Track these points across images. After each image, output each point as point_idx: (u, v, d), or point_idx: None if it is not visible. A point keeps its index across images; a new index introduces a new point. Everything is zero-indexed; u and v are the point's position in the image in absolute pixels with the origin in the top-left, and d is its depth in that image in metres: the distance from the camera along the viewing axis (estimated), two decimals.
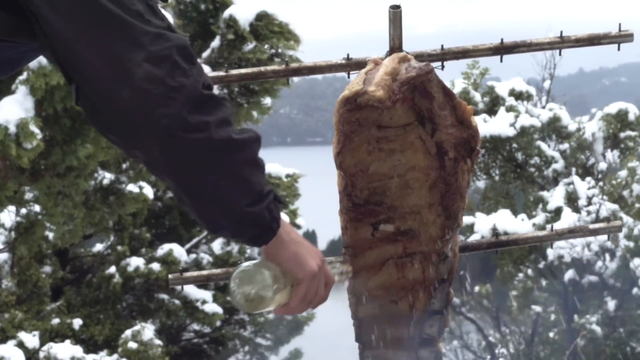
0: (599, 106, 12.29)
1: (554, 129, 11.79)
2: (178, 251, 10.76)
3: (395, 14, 2.02)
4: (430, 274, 2.09)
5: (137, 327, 8.87)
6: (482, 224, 10.11)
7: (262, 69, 2.17)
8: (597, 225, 2.33)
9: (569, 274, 10.73)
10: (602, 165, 11.40)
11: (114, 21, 1.41)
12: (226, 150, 1.47)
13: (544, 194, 11.17)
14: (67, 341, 8.47)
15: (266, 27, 8.48)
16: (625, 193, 10.81)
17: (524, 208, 11.43)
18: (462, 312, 12.88)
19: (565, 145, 11.72)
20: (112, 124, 1.44)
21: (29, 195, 8.29)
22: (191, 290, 10.90)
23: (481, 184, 13.06)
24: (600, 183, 10.81)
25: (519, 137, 11.47)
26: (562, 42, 2.13)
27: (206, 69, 8.26)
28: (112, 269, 10.61)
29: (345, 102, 1.89)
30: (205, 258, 11.62)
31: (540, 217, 10.38)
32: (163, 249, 10.76)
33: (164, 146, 1.42)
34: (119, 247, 10.91)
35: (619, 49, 2.17)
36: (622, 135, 11.37)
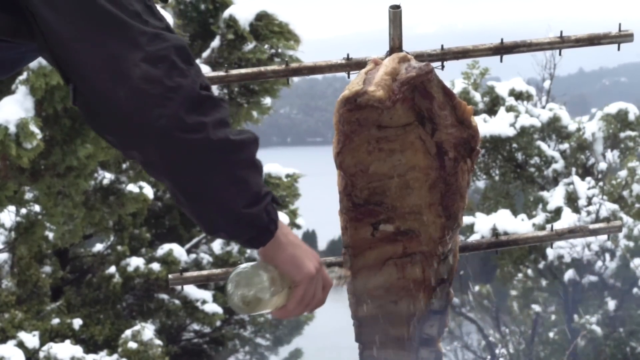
0: (599, 106, 12.28)
1: (554, 129, 11.78)
2: (178, 251, 10.75)
3: (395, 14, 2.02)
4: (430, 274, 2.09)
5: (137, 327, 8.87)
6: (482, 224, 10.10)
7: (262, 69, 2.17)
8: (597, 225, 2.34)
9: (569, 274, 10.72)
10: (602, 165, 11.40)
11: (112, 21, 1.41)
12: (223, 151, 1.46)
13: (544, 194, 11.17)
14: (67, 341, 8.47)
15: (266, 27, 8.48)
16: (625, 193, 10.80)
17: (524, 208, 11.42)
18: (462, 312, 12.88)
19: (565, 145, 11.72)
20: (109, 124, 1.43)
21: (29, 195, 8.29)
22: (191, 290, 10.90)
23: (481, 184, 13.05)
24: (600, 183, 10.81)
25: (519, 137, 11.46)
26: (562, 42, 2.13)
27: (206, 69, 8.27)
28: (112, 269, 10.61)
29: (345, 102, 1.89)
30: (205, 258, 11.62)
31: (540, 217, 10.37)
32: (163, 249, 10.76)
33: (161, 146, 1.42)
34: (119, 247, 10.91)
35: (619, 49, 2.17)
36: (622, 135, 11.37)
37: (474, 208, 11.84)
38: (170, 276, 2.20)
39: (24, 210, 8.82)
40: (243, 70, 2.16)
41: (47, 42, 1.43)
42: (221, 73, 2.14)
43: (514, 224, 10.06)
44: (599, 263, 10.59)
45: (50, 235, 9.45)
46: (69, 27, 1.40)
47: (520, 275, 12.13)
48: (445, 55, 2.10)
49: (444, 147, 1.99)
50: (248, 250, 11.77)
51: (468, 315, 12.99)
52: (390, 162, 2.00)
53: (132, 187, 9.26)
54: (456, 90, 11.52)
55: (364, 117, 1.93)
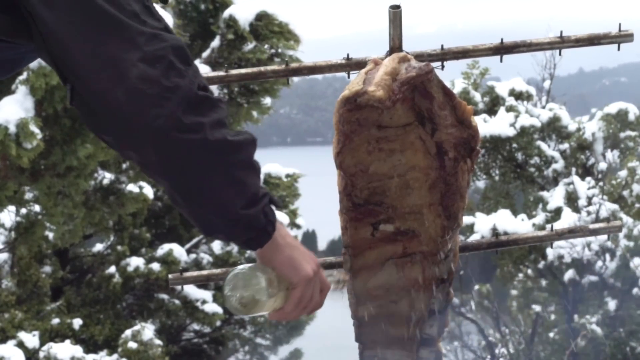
0: (599, 106, 12.29)
1: (554, 129, 11.78)
2: (178, 251, 10.75)
3: (395, 14, 2.02)
4: (430, 274, 2.09)
5: (137, 327, 8.87)
6: (482, 224, 10.11)
7: (262, 69, 2.17)
8: (597, 225, 2.34)
9: (569, 274, 10.72)
10: (602, 165, 11.41)
11: (110, 21, 1.40)
12: (221, 151, 1.45)
13: (544, 194, 11.17)
14: (67, 341, 8.47)
15: (266, 27, 8.49)
16: (625, 193, 10.80)
17: (524, 208, 11.42)
18: (462, 312, 12.88)
19: (565, 145, 11.72)
20: (106, 124, 1.43)
21: (29, 195, 8.29)
22: (191, 290, 10.89)
23: (481, 184, 13.06)
24: (600, 183, 10.81)
25: (519, 137, 11.47)
26: (562, 42, 2.13)
27: (206, 69, 8.28)
28: (112, 269, 10.61)
29: (345, 102, 1.89)
30: (205, 258, 11.62)
31: (540, 217, 10.37)
32: (163, 249, 10.76)
33: (158, 147, 1.41)
34: (119, 247, 10.91)
35: (619, 49, 2.17)
36: (622, 135, 11.37)
37: (474, 208, 11.84)
38: (170, 276, 2.20)
39: (24, 210, 8.82)
40: (243, 70, 2.16)
41: (45, 42, 1.43)
42: (221, 73, 2.14)
43: (514, 224, 10.06)
44: (599, 263, 10.59)
45: (50, 235, 9.45)
46: (67, 27, 1.40)
47: (520, 275, 12.13)
48: (445, 55, 2.10)
49: (444, 147, 1.99)
50: (248, 251, 11.75)
51: (468, 316, 12.99)
52: (390, 162, 2.00)
53: (132, 187, 9.26)
54: (456, 90, 11.52)
55: (364, 117, 1.93)
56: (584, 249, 10.35)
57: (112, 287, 10.44)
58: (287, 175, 11.70)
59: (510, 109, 11.73)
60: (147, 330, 8.86)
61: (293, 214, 11.78)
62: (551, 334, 11.76)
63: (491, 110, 11.98)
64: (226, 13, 8.75)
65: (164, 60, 1.42)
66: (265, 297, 1.60)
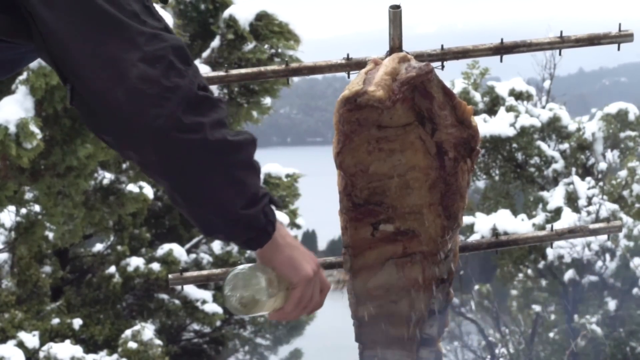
0: (599, 106, 12.29)
1: (554, 129, 11.79)
2: (178, 251, 10.75)
3: (395, 14, 2.02)
4: (430, 274, 2.09)
5: (137, 327, 8.87)
6: (482, 224, 10.10)
7: (262, 69, 2.17)
8: (597, 225, 2.34)
9: (569, 274, 10.72)
10: (602, 165, 11.41)
11: (110, 21, 1.40)
12: (221, 151, 1.45)
13: (544, 194, 11.17)
14: (67, 341, 8.47)
15: (266, 27, 8.49)
16: (625, 193, 10.80)
17: (524, 208, 11.42)
18: (462, 312, 12.88)
19: (565, 145, 11.72)
20: (106, 124, 1.42)
21: (29, 195, 8.29)
22: (191, 290, 10.89)
23: (481, 184, 13.06)
24: (600, 183, 10.81)
25: (519, 137, 11.47)
26: (562, 42, 2.13)
27: (206, 69, 8.28)
28: (112, 269, 10.61)
29: (345, 102, 1.89)
30: (205, 258, 11.62)
31: (540, 217, 10.37)
32: (163, 249, 10.76)
33: (158, 146, 1.41)
34: (119, 247, 10.91)
35: (619, 49, 2.17)
36: (622, 135, 11.37)
37: (474, 208, 11.84)
38: (170, 276, 2.20)
39: (24, 210, 8.82)
40: (243, 70, 2.16)
41: (44, 42, 1.42)
42: (221, 73, 2.14)
43: (514, 224, 10.06)
44: (599, 263, 10.59)
45: (50, 235, 9.45)
46: (67, 27, 1.40)
47: (520, 275, 12.13)
48: (445, 55, 2.10)
49: (444, 147, 1.99)
50: (248, 251, 11.75)
51: (468, 316, 12.99)
52: (390, 162, 2.00)
53: (132, 187, 9.26)
54: (456, 90, 11.52)
55: (364, 117, 1.93)
56: (584, 249, 10.35)
57: (112, 287, 10.44)
58: (287, 175, 11.70)
59: (510, 109, 11.73)
60: (147, 330, 8.86)
61: (293, 214, 11.78)
62: (551, 334, 11.76)
63: (491, 110, 11.98)
64: (226, 13, 8.75)
65: (164, 60, 1.42)
66: (265, 297, 1.60)
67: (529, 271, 11.77)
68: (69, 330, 9.54)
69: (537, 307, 12.28)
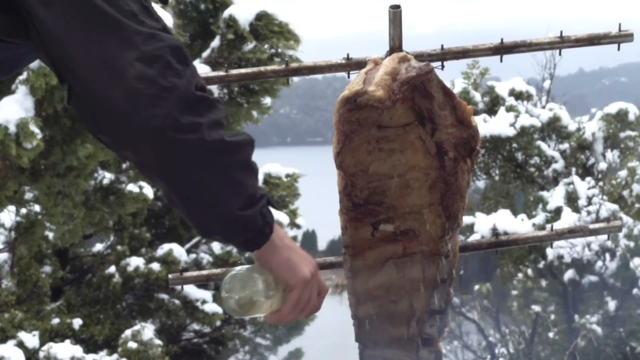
0: (599, 106, 12.29)
1: (554, 129, 11.79)
2: (178, 251, 10.75)
3: (395, 13, 2.02)
4: (430, 273, 2.09)
5: (137, 327, 8.87)
6: (482, 224, 10.11)
7: (262, 68, 2.16)
8: (597, 225, 2.33)
9: (569, 274, 10.72)
10: (602, 165, 11.41)
11: (108, 20, 1.40)
12: (218, 151, 1.45)
13: (544, 194, 11.17)
14: (67, 341, 8.47)
15: (266, 27, 8.49)
16: (625, 193, 10.80)
17: (524, 208, 11.42)
18: (462, 312, 12.88)
19: (565, 145, 11.72)
20: (103, 123, 1.42)
21: (29, 195, 8.29)
22: (191, 290, 10.90)
23: (481, 184, 13.06)
24: (600, 183, 10.81)
25: (519, 137, 11.47)
26: (562, 42, 2.13)
27: (206, 68, 8.28)
28: (112, 269, 10.61)
29: (345, 102, 1.89)
30: (205, 258, 11.62)
31: (540, 217, 10.37)
32: (163, 249, 10.76)
33: (155, 146, 1.40)
34: (119, 247, 10.91)
35: (619, 49, 2.17)
36: (622, 135, 11.37)
37: (474, 208, 11.84)
38: (170, 276, 2.20)
39: (24, 210, 8.82)
40: (243, 70, 2.16)
41: (42, 41, 1.42)
42: (221, 73, 2.13)
43: (514, 224, 10.06)
44: (599, 263, 10.59)
45: (50, 235, 9.45)
46: (64, 26, 1.40)
47: (520, 275, 12.14)
48: (445, 55, 2.10)
49: (444, 147, 1.99)
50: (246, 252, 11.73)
51: (468, 316, 12.99)
52: (390, 162, 2.00)
53: (132, 187, 9.26)
54: (456, 90, 11.52)
55: (364, 117, 1.93)
56: (584, 249, 10.35)
57: (112, 287, 10.44)
58: (287, 175, 11.70)
59: (510, 109, 11.73)
60: (147, 330, 8.86)
61: (293, 214, 11.78)
62: (551, 334, 11.76)
63: (491, 110, 11.98)
64: (226, 13, 8.75)
65: (161, 60, 1.41)
66: (262, 298, 1.60)
67: (529, 271, 11.77)
68: (69, 330, 9.54)
69: (537, 307, 12.29)
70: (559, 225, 7.48)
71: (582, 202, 10.43)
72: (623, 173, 10.99)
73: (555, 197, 10.70)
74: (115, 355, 8.74)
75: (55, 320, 9.54)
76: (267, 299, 1.60)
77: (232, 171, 1.48)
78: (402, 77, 1.90)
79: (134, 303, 11.03)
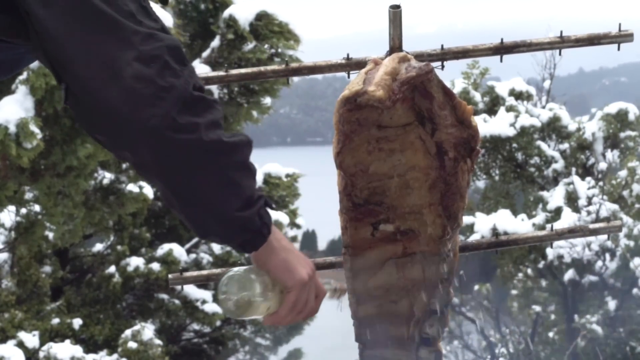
0: (599, 106, 12.30)
1: (554, 128, 11.79)
2: (178, 251, 10.75)
3: (395, 13, 2.01)
4: (430, 274, 2.09)
5: (137, 327, 8.87)
6: (482, 224, 10.11)
7: (262, 68, 2.16)
8: (597, 225, 2.33)
9: (569, 274, 10.73)
10: (602, 165, 11.41)
11: (106, 20, 1.40)
12: (216, 152, 1.44)
13: (544, 194, 11.17)
14: (67, 341, 8.47)
15: (266, 27, 8.49)
16: (625, 193, 10.80)
17: (524, 208, 11.43)
18: (462, 312, 12.89)
19: (565, 145, 11.72)
20: (100, 123, 1.42)
21: (29, 195, 8.29)
22: (191, 290, 10.90)
23: (481, 184, 13.06)
24: (600, 183, 10.81)
25: (519, 137, 11.47)
26: (562, 42, 2.13)
27: (206, 68, 8.28)
28: (112, 269, 10.62)
29: (345, 102, 1.89)
30: (205, 258, 11.62)
31: (540, 217, 10.38)
32: (163, 249, 10.76)
33: (152, 146, 1.40)
34: (119, 247, 10.91)
35: (619, 49, 2.17)
36: (622, 135, 11.38)
37: (474, 208, 11.85)
38: (170, 276, 2.20)
39: (24, 210, 8.82)
40: (243, 70, 2.16)
41: (41, 41, 1.42)
42: (221, 73, 2.13)
43: (514, 223, 10.07)
44: (599, 263, 10.59)
45: (50, 235, 9.45)
46: (62, 26, 1.40)
47: (520, 275, 12.14)
48: (445, 55, 2.10)
49: (444, 147, 1.99)
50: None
51: (468, 315, 13.00)
52: (390, 162, 2.00)
53: (132, 187, 9.26)
54: (456, 90, 11.52)
55: (364, 117, 1.93)
56: (584, 249, 10.35)
57: (112, 287, 10.44)
58: (287, 175, 11.70)
59: (510, 109, 11.74)
60: (147, 330, 8.86)
61: (293, 214, 11.78)
62: (551, 334, 11.77)
63: (491, 110, 11.98)
64: (226, 13, 8.75)
65: (159, 59, 1.41)
66: (260, 299, 1.59)
67: (529, 271, 11.78)
68: (69, 330, 9.54)
69: (537, 307, 12.29)
70: (559, 225, 7.47)
71: (582, 202, 10.44)
72: (623, 173, 11.00)
73: (555, 197, 10.71)
74: (115, 355, 8.74)
75: (55, 320, 9.54)
76: (264, 300, 1.60)
77: (230, 172, 1.47)
78: (402, 77, 1.90)
79: (134, 303, 11.03)
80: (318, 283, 1.67)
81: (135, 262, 10.53)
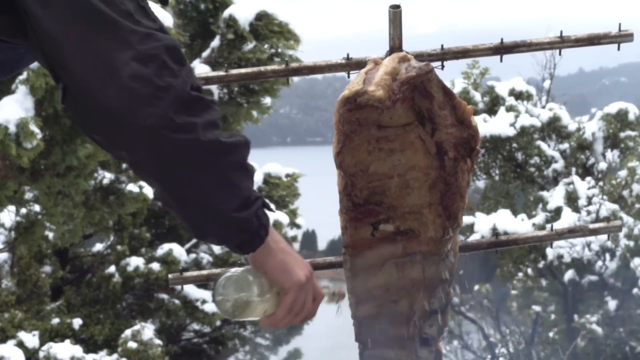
0: (599, 106, 12.29)
1: (554, 128, 11.79)
2: (178, 251, 10.75)
3: (395, 13, 2.01)
4: (430, 273, 2.09)
5: (137, 327, 8.87)
6: (482, 224, 10.11)
7: (262, 68, 2.16)
8: (597, 225, 2.33)
9: (569, 274, 10.73)
10: (602, 165, 11.41)
11: (103, 20, 1.40)
12: (213, 152, 1.44)
13: (544, 193, 11.17)
14: (67, 341, 8.47)
15: (266, 26, 8.49)
16: (625, 193, 10.80)
17: (524, 208, 11.43)
18: (462, 312, 12.89)
19: (565, 145, 11.72)
20: (97, 123, 1.41)
21: (29, 195, 8.29)
22: (191, 290, 10.90)
23: (481, 184, 13.06)
24: (600, 183, 10.81)
25: (519, 137, 11.47)
26: (562, 42, 2.13)
27: (206, 68, 8.28)
28: (112, 269, 10.61)
29: (345, 101, 1.89)
30: (205, 258, 11.62)
31: (540, 217, 10.38)
32: (163, 249, 10.76)
33: (150, 146, 1.40)
34: (119, 247, 10.91)
35: (619, 48, 2.17)
36: (622, 135, 11.38)
37: (474, 208, 11.84)
38: (170, 276, 2.20)
39: (24, 210, 8.82)
40: (243, 70, 2.16)
41: (38, 40, 1.42)
42: (221, 73, 2.13)
43: (514, 223, 10.07)
44: (599, 263, 10.59)
45: (50, 235, 9.45)
46: (60, 25, 1.39)
47: (520, 275, 12.14)
48: (445, 55, 2.10)
49: (444, 147, 1.99)
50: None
51: (468, 315, 12.99)
52: (390, 162, 2.00)
53: (132, 187, 9.26)
54: (456, 90, 11.52)
55: (363, 117, 1.93)
56: (584, 249, 10.35)
57: (112, 287, 10.44)
58: (287, 175, 11.69)
59: (510, 108, 11.74)
60: (147, 330, 8.86)
61: (293, 214, 11.77)
62: (551, 334, 11.77)
63: (491, 110, 11.98)
64: (226, 13, 8.75)
65: (156, 59, 1.41)
66: (256, 300, 1.59)
67: (529, 271, 11.77)
68: (68, 330, 9.54)
69: (537, 307, 12.29)
70: (559, 225, 7.46)
71: (582, 202, 10.44)
72: (623, 173, 10.99)
73: (555, 197, 10.71)
74: (115, 355, 8.74)
75: (55, 320, 9.54)
76: (261, 302, 1.59)
77: (227, 172, 1.47)
78: (402, 77, 1.90)
79: (134, 303, 11.03)
80: (316, 286, 1.66)
81: (135, 262, 10.53)
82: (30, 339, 8.60)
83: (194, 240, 12.12)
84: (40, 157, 6.81)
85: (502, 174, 11.85)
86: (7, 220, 9.17)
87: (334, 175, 2.02)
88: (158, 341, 8.82)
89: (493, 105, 12.02)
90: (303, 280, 1.61)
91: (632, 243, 10.12)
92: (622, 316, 10.45)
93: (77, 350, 8.00)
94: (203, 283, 2.27)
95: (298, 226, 11.98)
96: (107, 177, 9.27)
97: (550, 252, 10.40)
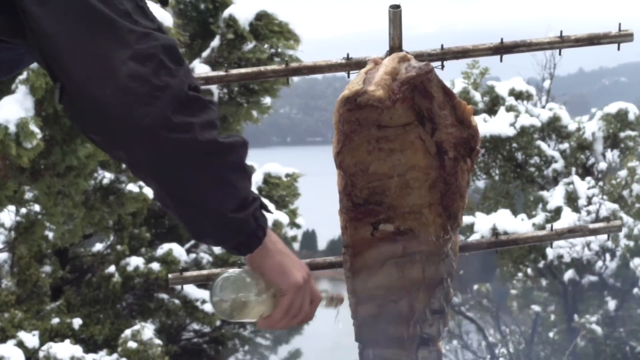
0: (599, 106, 12.29)
1: (553, 128, 11.79)
2: (178, 251, 10.75)
3: (395, 13, 2.01)
4: (430, 273, 2.09)
5: (136, 327, 8.87)
6: (482, 224, 10.11)
7: (262, 68, 2.16)
8: (597, 225, 2.33)
9: (569, 274, 10.73)
10: (602, 165, 11.41)
11: (101, 19, 1.39)
12: (211, 152, 1.43)
13: (544, 193, 11.17)
14: (67, 341, 8.47)
15: (266, 26, 8.49)
16: (625, 193, 10.80)
17: (523, 208, 11.43)
18: (462, 312, 12.89)
19: (565, 145, 11.72)
20: (95, 122, 1.41)
21: (29, 195, 8.29)
22: (191, 290, 10.89)
23: (481, 184, 13.06)
24: (600, 183, 10.81)
25: (519, 137, 11.47)
26: (562, 42, 2.13)
27: (206, 68, 8.28)
28: (112, 269, 10.61)
29: (345, 101, 1.89)
30: (205, 258, 11.62)
31: (540, 217, 10.38)
32: (163, 249, 10.75)
33: (147, 146, 1.39)
34: (119, 247, 10.91)
35: (618, 48, 2.17)
36: (622, 135, 11.38)
37: (474, 208, 11.84)
38: (170, 276, 2.20)
39: (24, 210, 8.82)
40: (243, 70, 2.16)
41: (36, 39, 1.41)
42: (221, 73, 2.13)
43: (513, 223, 10.07)
44: (599, 263, 10.59)
45: (50, 235, 9.44)
46: (58, 24, 1.39)
47: (520, 275, 12.14)
48: (445, 55, 2.10)
49: (443, 147, 1.99)
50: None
51: (468, 315, 13.00)
52: (390, 162, 2.00)
53: (132, 187, 9.26)
54: (456, 90, 11.52)
55: (363, 117, 1.93)
56: (583, 249, 10.35)
57: (112, 286, 10.44)
58: (287, 175, 11.69)
59: (510, 108, 11.73)
60: (147, 330, 8.86)
61: (293, 214, 11.77)
62: (551, 334, 11.77)
63: (491, 110, 11.98)
64: (226, 13, 8.75)
65: (154, 58, 1.40)
66: (253, 302, 1.58)
67: (529, 271, 11.77)
68: (68, 330, 9.54)
69: (537, 307, 12.29)
70: (558, 225, 7.46)
71: (582, 202, 10.44)
72: (623, 173, 10.99)
73: (555, 197, 10.71)
74: (115, 355, 8.74)
75: (55, 320, 9.54)
76: (258, 303, 1.59)
77: (225, 172, 1.46)
78: (402, 77, 1.90)
79: (134, 303, 11.03)
80: (313, 288, 1.66)
81: (135, 262, 10.53)
82: (30, 338, 8.60)
83: (193, 240, 12.12)
84: (40, 157, 6.81)
85: (502, 174, 11.85)
86: (7, 220, 9.17)
87: (334, 175, 2.02)
88: (158, 341, 8.82)
89: (493, 105, 12.02)
90: (300, 282, 1.60)
91: (632, 243, 10.12)
92: (622, 316, 10.45)
93: (77, 350, 8.00)
94: (203, 283, 2.27)
95: (298, 226, 11.98)
96: (107, 177, 9.27)
97: (550, 252, 10.40)
